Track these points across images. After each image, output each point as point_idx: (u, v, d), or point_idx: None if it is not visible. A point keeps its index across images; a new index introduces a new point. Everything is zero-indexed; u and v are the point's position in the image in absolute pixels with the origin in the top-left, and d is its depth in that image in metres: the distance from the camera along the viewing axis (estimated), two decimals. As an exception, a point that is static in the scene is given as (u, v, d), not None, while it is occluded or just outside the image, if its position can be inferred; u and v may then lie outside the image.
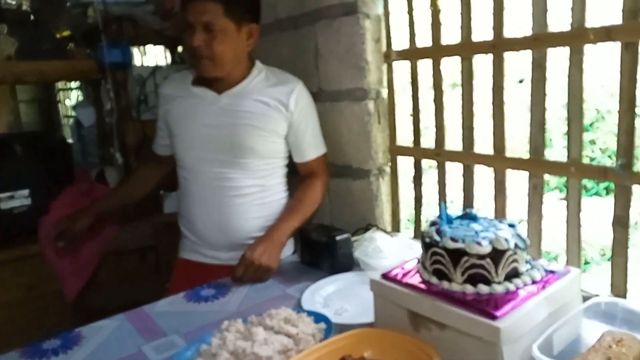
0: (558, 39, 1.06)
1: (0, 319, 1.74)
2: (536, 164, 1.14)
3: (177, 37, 2.11)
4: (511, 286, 0.83)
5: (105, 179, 2.13)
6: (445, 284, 0.85)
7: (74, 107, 2.78)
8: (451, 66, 1.30)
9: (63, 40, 2.30)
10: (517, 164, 1.18)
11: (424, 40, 1.34)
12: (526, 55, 1.13)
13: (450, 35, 1.27)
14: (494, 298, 0.81)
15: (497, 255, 0.83)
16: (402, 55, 1.40)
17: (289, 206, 1.41)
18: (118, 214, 1.91)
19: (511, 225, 0.91)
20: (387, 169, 1.50)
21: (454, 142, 1.34)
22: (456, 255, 0.84)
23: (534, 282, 0.86)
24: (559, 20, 1.05)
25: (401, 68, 1.44)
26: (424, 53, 1.35)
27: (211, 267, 1.42)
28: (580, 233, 1.10)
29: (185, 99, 1.40)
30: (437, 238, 0.88)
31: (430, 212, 1.66)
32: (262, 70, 1.41)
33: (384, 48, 1.44)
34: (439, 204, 0.95)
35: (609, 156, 3.24)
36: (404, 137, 1.49)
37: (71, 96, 3.40)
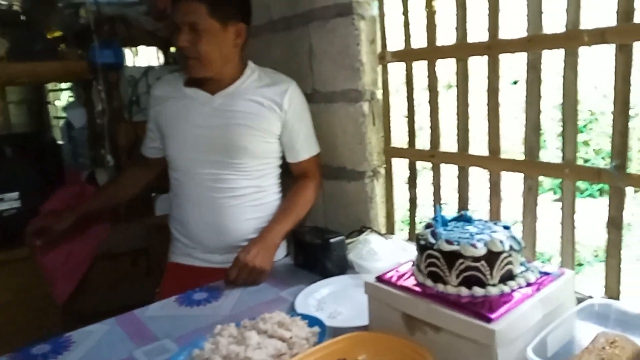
0: (553, 41, 1.06)
1: (-10, 322, 1.72)
2: (531, 166, 1.14)
3: (170, 37, 2.10)
4: (506, 288, 0.83)
5: (96, 180, 2.11)
6: (440, 287, 0.85)
7: (65, 108, 2.76)
8: (446, 67, 1.30)
9: (55, 40, 2.28)
10: (512, 165, 1.18)
11: (419, 41, 1.34)
12: (520, 57, 1.13)
13: (446, 36, 1.27)
14: (488, 300, 0.81)
15: (492, 257, 0.83)
16: (397, 56, 1.40)
17: (282, 208, 1.41)
18: (106, 215, 1.90)
19: (506, 227, 0.91)
20: (382, 171, 1.50)
21: (448, 143, 1.34)
22: (451, 258, 0.84)
23: (528, 284, 0.86)
24: (554, 22, 1.05)
25: (396, 69, 1.43)
26: (419, 54, 1.35)
27: (203, 271, 1.41)
28: (575, 234, 1.10)
29: (178, 100, 1.39)
30: (432, 240, 0.87)
31: (424, 214, 1.66)
32: (255, 70, 1.41)
33: (378, 49, 1.43)
34: (434, 206, 0.95)
35: (603, 158, 3.26)
36: (399, 139, 1.48)
37: (61, 97, 3.37)
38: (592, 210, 2.45)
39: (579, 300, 0.93)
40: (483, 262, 0.83)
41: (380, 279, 0.93)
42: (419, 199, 1.46)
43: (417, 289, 0.87)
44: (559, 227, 1.12)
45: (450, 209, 1.31)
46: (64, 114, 2.90)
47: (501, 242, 0.83)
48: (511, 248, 0.85)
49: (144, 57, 2.48)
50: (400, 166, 1.49)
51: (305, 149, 1.42)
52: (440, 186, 1.37)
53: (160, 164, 1.51)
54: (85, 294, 1.88)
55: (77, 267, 1.83)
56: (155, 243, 1.95)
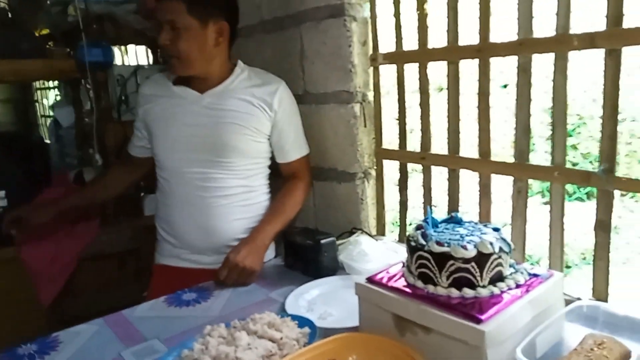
0: (543, 45, 1.07)
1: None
2: (521, 169, 1.15)
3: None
4: (496, 290, 0.84)
5: (83, 180, 2.08)
6: (430, 288, 0.85)
7: (52, 107, 2.73)
8: (437, 70, 1.31)
9: (42, 39, 2.25)
10: (502, 168, 1.19)
11: (410, 43, 1.35)
12: (511, 61, 1.14)
13: (437, 39, 1.27)
14: (478, 302, 0.81)
15: (482, 259, 0.83)
16: (389, 58, 1.40)
17: (272, 208, 1.40)
18: (93, 216, 1.87)
19: (496, 229, 0.92)
20: (373, 172, 1.50)
21: (439, 145, 1.34)
22: (442, 259, 0.84)
23: (517, 286, 0.86)
24: (544, 26, 1.06)
25: (387, 71, 1.44)
26: (410, 56, 1.35)
27: (192, 272, 1.39)
28: (564, 237, 1.11)
29: (166, 99, 1.38)
30: (422, 242, 0.87)
31: (415, 215, 1.66)
32: (245, 69, 1.40)
33: (370, 51, 1.44)
34: (425, 208, 0.95)
35: (591, 161, 3.30)
36: (390, 141, 1.49)
37: (49, 96, 3.33)
38: (580, 214, 2.48)
39: (568, 302, 0.94)
40: (473, 264, 0.83)
41: (370, 280, 0.93)
42: (410, 200, 1.47)
43: (408, 290, 0.87)
44: (547, 230, 1.12)
45: (440, 211, 1.31)
46: (51, 113, 2.86)
47: (491, 244, 0.84)
48: (501, 250, 0.85)
49: (132, 56, 2.45)
50: (391, 168, 1.49)
51: (295, 149, 1.42)
52: (431, 188, 1.38)
53: (147, 163, 1.50)
54: (71, 297, 1.85)
55: (64, 268, 1.80)
56: (144, 244, 1.93)
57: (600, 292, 1.04)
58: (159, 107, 1.39)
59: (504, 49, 1.14)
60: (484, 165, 1.22)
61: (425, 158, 1.36)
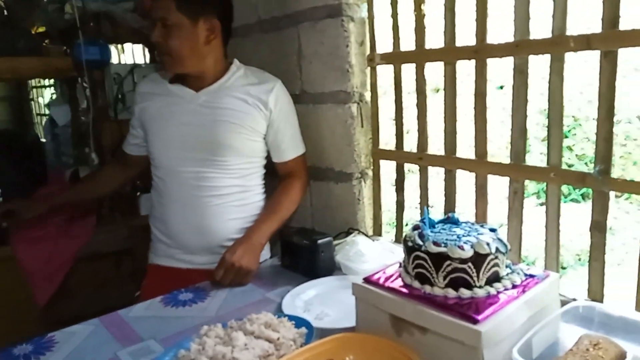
0: (539, 46, 1.07)
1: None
2: (517, 169, 1.15)
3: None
4: (492, 290, 0.84)
5: (79, 179, 2.07)
6: (427, 288, 0.86)
7: (48, 105, 2.71)
8: (434, 71, 1.31)
9: (39, 37, 2.24)
10: (499, 169, 1.19)
11: (407, 44, 1.35)
12: (507, 62, 1.15)
13: (434, 40, 1.28)
14: (475, 302, 0.82)
15: (478, 259, 0.84)
16: (386, 58, 1.40)
17: (269, 207, 1.40)
18: (89, 215, 1.87)
19: (492, 230, 0.92)
20: (370, 173, 1.50)
21: (436, 146, 1.35)
22: (439, 259, 0.84)
23: (514, 286, 0.87)
24: (541, 27, 1.07)
25: (384, 72, 1.44)
26: (407, 57, 1.36)
27: (185, 272, 1.39)
28: (559, 238, 1.12)
29: (162, 97, 1.38)
30: (419, 242, 0.88)
31: (411, 216, 1.66)
32: (241, 68, 1.40)
33: (367, 51, 1.44)
34: (422, 208, 0.96)
35: (586, 163, 3.31)
36: (387, 141, 1.49)
37: (45, 94, 3.31)
38: (575, 215, 2.49)
39: (563, 303, 0.94)
40: (470, 264, 0.83)
41: (367, 280, 0.93)
42: (406, 201, 1.47)
43: (405, 290, 0.88)
44: (543, 231, 1.13)
45: (437, 212, 1.31)
46: (46, 111, 2.85)
47: (488, 244, 0.84)
48: (497, 250, 0.85)
49: (130, 54, 2.45)
50: (387, 168, 1.49)
51: (292, 148, 1.42)
52: (428, 188, 1.38)
53: (141, 162, 1.50)
54: (67, 297, 1.84)
55: (59, 268, 1.79)
56: (141, 244, 1.92)
57: (596, 292, 1.05)
58: (155, 105, 1.39)
59: (500, 50, 1.14)
60: (481, 166, 1.22)
61: (422, 158, 1.36)
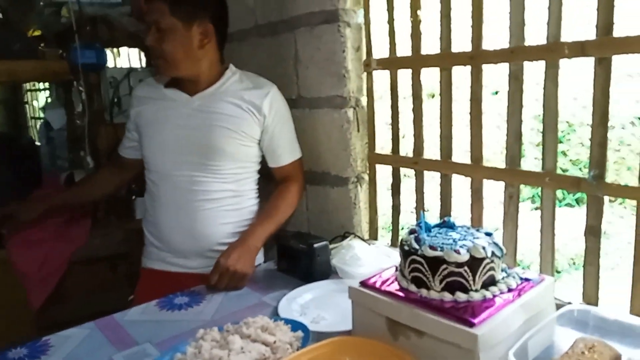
0: (534, 52, 1.08)
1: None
2: (512, 174, 1.16)
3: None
4: (488, 294, 0.85)
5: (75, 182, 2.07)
6: (423, 292, 0.86)
7: (43, 109, 2.71)
8: (430, 76, 1.32)
9: (35, 40, 2.24)
10: (494, 173, 1.20)
11: (403, 50, 1.36)
12: (502, 68, 1.16)
13: (430, 46, 1.28)
14: (471, 305, 0.82)
15: (474, 263, 0.84)
16: (382, 64, 1.41)
17: (265, 210, 1.40)
18: (84, 218, 1.86)
19: (488, 234, 0.93)
20: (366, 177, 1.51)
21: (432, 151, 1.35)
22: (435, 263, 0.85)
23: (509, 290, 0.87)
24: (536, 34, 1.08)
25: (381, 77, 1.45)
26: (403, 62, 1.36)
27: (178, 276, 1.38)
28: (554, 242, 1.12)
29: (158, 101, 1.39)
30: (415, 246, 0.88)
31: (407, 220, 1.67)
32: (237, 73, 1.41)
33: (364, 57, 1.44)
34: (418, 212, 0.96)
35: (580, 168, 3.34)
36: (383, 146, 1.49)
37: (40, 97, 3.30)
38: (569, 219, 2.51)
39: (558, 307, 0.95)
40: (466, 268, 0.84)
41: (364, 284, 0.93)
42: (402, 205, 1.48)
43: (401, 294, 0.88)
44: (538, 235, 1.14)
45: (432, 216, 1.32)
46: (41, 115, 2.84)
47: (483, 248, 0.85)
48: (493, 254, 0.86)
49: (126, 58, 2.45)
50: (383, 173, 1.50)
51: (288, 153, 1.42)
52: (423, 193, 1.39)
53: (136, 165, 1.50)
54: (61, 301, 1.83)
55: (54, 271, 1.78)
56: (136, 247, 1.91)
57: (591, 296, 1.05)
58: (151, 109, 1.39)
59: (496, 56, 1.15)
60: (476, 170, 1.23)
61: (418, 163, 1.37)
